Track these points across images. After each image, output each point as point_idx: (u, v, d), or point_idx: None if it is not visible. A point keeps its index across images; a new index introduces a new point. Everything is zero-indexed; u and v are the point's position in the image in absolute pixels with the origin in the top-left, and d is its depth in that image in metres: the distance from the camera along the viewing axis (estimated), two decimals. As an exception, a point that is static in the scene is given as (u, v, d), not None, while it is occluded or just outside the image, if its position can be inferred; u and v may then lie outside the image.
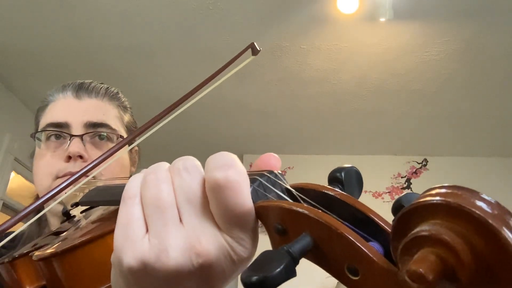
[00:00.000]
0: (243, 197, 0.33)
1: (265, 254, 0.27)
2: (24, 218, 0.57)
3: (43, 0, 2.59)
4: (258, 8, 2.60)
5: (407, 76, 3.15)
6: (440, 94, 3.31)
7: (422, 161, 4.23)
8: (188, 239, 0.34)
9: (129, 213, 0.38)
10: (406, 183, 4.17)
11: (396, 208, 0.29)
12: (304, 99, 3.52)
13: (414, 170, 4.22)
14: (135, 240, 0.35)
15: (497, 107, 3.42)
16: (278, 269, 0.25)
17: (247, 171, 0.35)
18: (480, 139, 3.91)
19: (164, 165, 0.39)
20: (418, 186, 4.13)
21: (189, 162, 0.37)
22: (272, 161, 0.39)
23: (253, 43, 0.67)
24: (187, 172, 0.36)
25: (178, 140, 4.20)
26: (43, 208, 0.64)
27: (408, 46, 2.87)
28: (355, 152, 4.24)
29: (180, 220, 0.35)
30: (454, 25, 2.66)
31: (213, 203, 0.34)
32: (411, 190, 4.13)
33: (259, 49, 0.68)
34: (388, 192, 4.14)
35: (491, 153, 4.08)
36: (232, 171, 0.33)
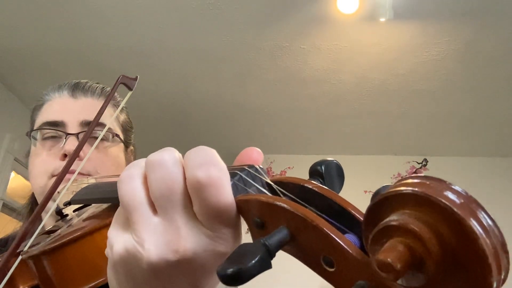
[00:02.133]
0: (225, 194, 0.33)
1: (242, 246, 0.27)
2: (36, 219, 0.57)
3: (43, 0, 2.59)
4: (258, 8, 2.60)
5: (407, 76, 3.15)
6: (440, 94, 3.31)
7: (422, 161, 4.23)
8: (165, 235, 0.34)
9: (118, 211, 0.40)
10: (406, 183, 4.16)
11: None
12: (304, 99, 3.52)
13: (414, 170, 4.21)
14: (121, 231, 0.37)
15: (497, 107, 3.41)
16: (253, 262, 0.25)
17: (228, 166, 0.35)
18: (480, 139, 3.90)
19: (141, 161, 0.39)
20: (419, 186, 4.10)
21: (165, 155, 0.36)
22: (254, 154, 0.39)
23: (122, 76, 0.63)
24: (162, 167, 0.35)
25: (178, 140, 4.21)
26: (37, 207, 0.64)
27: (408, 46, 2.86)
28: (355, 152, 4.23)
29: (158, 215, 0.36)
30: (454, 25, 2.66)
31: (194, 200, 0.34)
32: (411, 190, 4.11)
33: (134, 78, 0.65)
34: (388, 192, 4.12)
35: (491, 153, 4.07)
36: (214, 169, 0.33)
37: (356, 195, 3.96)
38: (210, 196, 0.33)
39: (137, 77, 0.65)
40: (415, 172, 4.20)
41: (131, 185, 0.37)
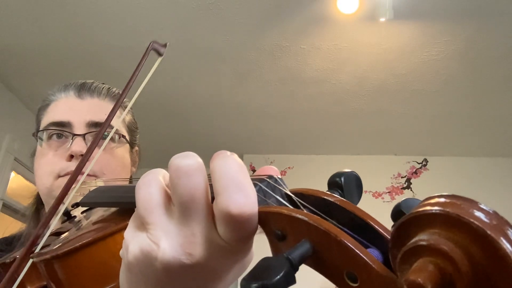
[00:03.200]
0: (254, 223, 0.33)
1: (265, 260, 0.27)
2: (50, 221, 0.58)
3: (43, 0, 2.59)
4: (258, 8, 2.60)
5: (407, 76, 3.15)
6: (440, 94, 3.31)
7: (422, 161, 4.24)
8: (181, 238, 0.35)
9: (133, 216, 0.40)
10: (406, 183, 4.17)
11: (396, 214, 0.30)
12: (304, 99, 3.52)
13: (414, 170, 4.22)
14: (136, 232, 0.38)
15: (497, 107, 3.42)
16: (278, 277, 0.25)
17: None
18: (480, 139, 3.91)
19: (158, 170, 0.40)
20: (418, 186, 4.13)
21: (191, 162, 0.35)
22: (271, 172, 0.39)
23: (153, 42, 0.63)
24: (186, 175, 0.35)
25: (178, 140, 4.21)
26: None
27: (408, 46, 2.87)
28: (355, 152, 4.24)
29: (172, 217, 0.36)
30: (454, 25, 2.66)
31: (219, 222, 0.34)
32: (411, 190, 4.13)
33: (164, 44, 0.65)
34: (388, 192, 4.14)
35: (491, 153, 4.08)
36: (248, 203, 0.32)
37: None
38: (239, 227, 0.33)
39: (166, 43, 0.65)
40: (415, 172, 4.21)
41: (148, 190, 0.37)
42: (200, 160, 0.36)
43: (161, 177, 0.38)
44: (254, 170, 4.35)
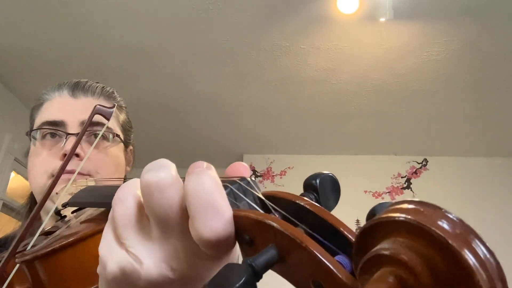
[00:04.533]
0: (230, 242, 0.32)
1: (227, 267, 0.26)
2: (35, 220, 0.57)
3: (43, 0, 2.59)
4: (258, 8, 2.59)
5: (407, 76, 3.14)
6: (440, 94, 3.30)
7: (422, 161, 4.22)
8: (163, 253, 0.34)
9: (107, 228, 0.38)
10: (406, 183, 4.15)
11: (369, 218, 0.28)
12: (304, 99, 3.51)
13: (414, 170, 4.20)
14: (114, 249, 0.36)
15: (497, 107, 3.40)
16: (237, 284, 0.24)
17: (220, 177, 0.34)
18: (480, 139, 3.89)
19: (134, 180, 0.38)
20: (418, 186, 4.12)
21: (162, 175, 0.33)
22: (241, 169, 0.38)
23: (97, 106, 0.64)
24: (158, 191, 0.33)
25: (178, 140, 4.20)
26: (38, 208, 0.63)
27: (408, 46, 2.85)
28: (355, 152, 4.22)
29: (152, 232, 0.35)
30: (454, 25, 2.65)
31: (196, 240, 0.32)
32: (411, 190, 4.12)
33: (110, 106, 0.64)
34: (388, 192, 4.13)
35: (491, 153, 4.06)
36: (222, 227, 0.31)
37: (356, 195, 3.97)
38: (218, 247, 0.31)
39: (114, 105, 0.65)
40: (415, 172, 4.19)
41: (125, 205, 0.36)
42: (173, 171, 0.34)
43: (138, 191, 0.37)
44: (254, 170, 4.35)
